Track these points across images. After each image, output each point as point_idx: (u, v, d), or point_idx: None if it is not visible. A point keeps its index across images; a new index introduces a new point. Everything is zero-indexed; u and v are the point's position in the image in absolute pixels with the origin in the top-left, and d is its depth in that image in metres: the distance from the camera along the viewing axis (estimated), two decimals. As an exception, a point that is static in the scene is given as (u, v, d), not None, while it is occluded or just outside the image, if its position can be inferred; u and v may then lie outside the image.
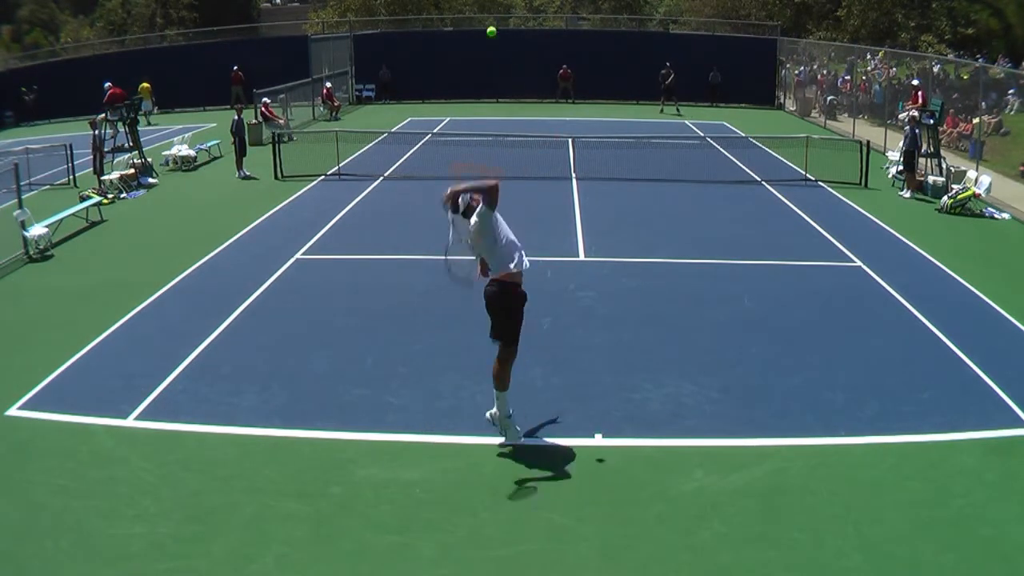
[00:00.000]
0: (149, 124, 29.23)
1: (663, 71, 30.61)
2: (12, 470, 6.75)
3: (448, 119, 28.56)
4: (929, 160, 17.31)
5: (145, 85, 31.03)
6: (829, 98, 30.08)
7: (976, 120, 21.08)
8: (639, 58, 33.58)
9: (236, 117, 19.68)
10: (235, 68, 31.76)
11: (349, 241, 13.59)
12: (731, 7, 42.80)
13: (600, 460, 6.79)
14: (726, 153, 20.97)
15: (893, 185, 17.84)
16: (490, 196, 6.53)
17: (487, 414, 7.07)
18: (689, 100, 31.66)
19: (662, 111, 30.65)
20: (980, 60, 28.43)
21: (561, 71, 33.58)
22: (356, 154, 20.95)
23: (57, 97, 30.61)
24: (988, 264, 12.22)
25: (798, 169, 18.58)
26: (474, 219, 6.60)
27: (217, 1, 50.45)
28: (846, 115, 28.57)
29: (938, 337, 9.31)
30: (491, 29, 6.62)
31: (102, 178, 17.68)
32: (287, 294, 10.96)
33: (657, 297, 10.81)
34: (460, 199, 6.68)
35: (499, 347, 6.85)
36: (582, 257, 12.54)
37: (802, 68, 33.15)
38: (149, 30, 47.91)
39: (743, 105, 32.71)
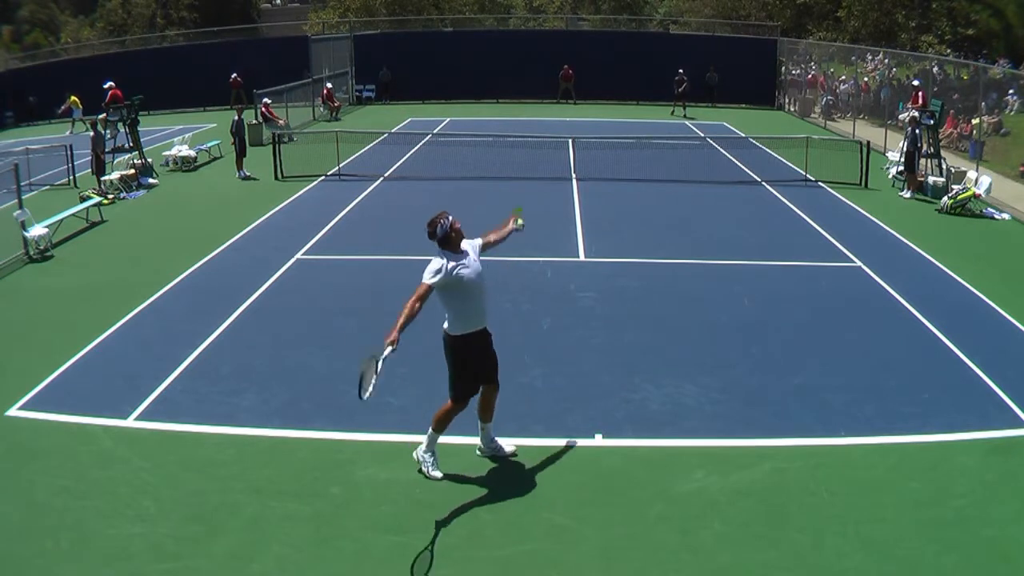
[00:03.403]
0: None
1: (676, 78, 30.56)
2: (12, 470, 6.75)
3: (448, 119, 28.57)
4: (929, 161, 17.31)
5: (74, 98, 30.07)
6: (827, 98, 30.07)
7: (976, 120, 21.08)
8: (639, 59, 33.59)
9: (236, 117, 19.68)
10: (234, 75, 31.72)
11: (349, 241, 13.59)
12: (731, 8, 42.81)
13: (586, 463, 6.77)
14: (726, 153, 20.97)
15: (893, 186, 17.84)
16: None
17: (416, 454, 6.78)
18: (689, 101, 31.64)
19: (672, 112, 30.67)
20: (980, 60, 28.43)
21: (563, 71, 33.57)
22: (356, 154, 20.95)
23: (58, 97, 30.61)
24: (988, 264, 12.21)
25: (798, 169, 18.58)
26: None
27: (217, 1, 50.50)
28: (848, 115, 28.56)
29: (938, 337, 9.31)
30: (519, 211, 6.37)
31: (102, 178, 17.69)
32: (287, 294, 10.96)
33: (657, 297, 10.81)
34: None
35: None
36: (582, 257, 12.54)
37: (798, 69, 33.13)
38: (149, 30, 47.94)
39: (743, 105, 32.72)
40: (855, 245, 12.96)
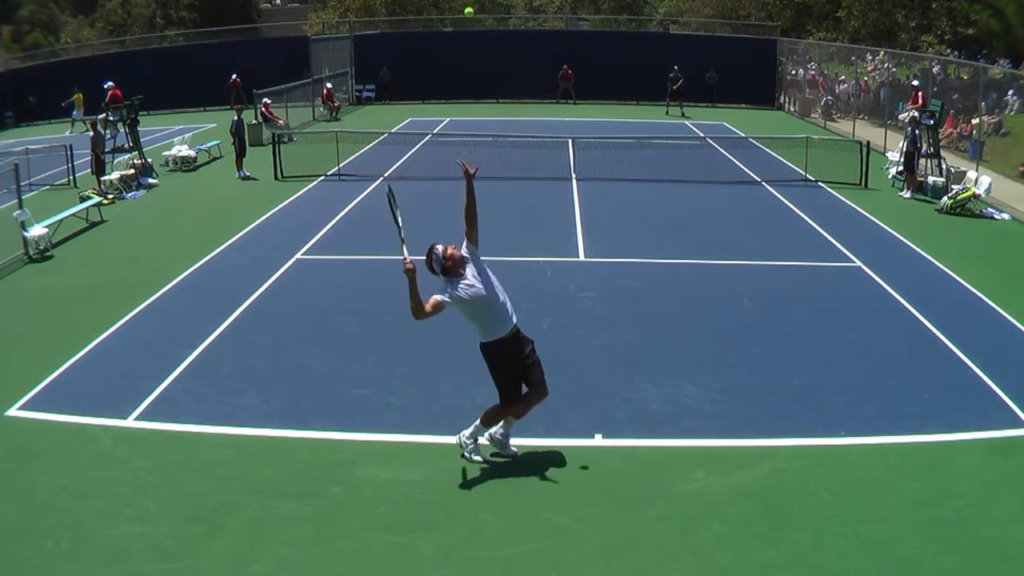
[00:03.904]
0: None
1: (671, 75, 30.61)
2: (12, 470, 6.75)
3: (448, 119, 28.57)
4: (929, 161, 17.32)
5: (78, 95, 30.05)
6: (826, 98, 30.07)
7: (976, 120, 21.08)
8: (639, 58, 33.57)
9: (236, 117, 19.68)
10: (234, 76, 31.67)
11: (349, 241, 13.59)
12: (731, 7, 42.80)
13: (584, 467, 6.70)
14: (726, 154, 20.96)
15: (893, 186, 17.84)
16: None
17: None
18: (689, 100, 31.69)
19: (667, 112, 30.69)
20: (980, 60, 28.43)
21: (562, 71, 33.58)
22: (356, 154, 20.95)
23: (58, 97, 30.62)
24: (988, 264, 12.21)
25: (798, 169, 18.59)
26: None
27: (217, 1, 50.48)
28: (848, 116, 28.55)
29: (938, 337, 9.31)
30: (468, 9, 6.56)
31: (102, 178, 17.69)
32: (287, 294, 10.96)
33: (657, 297, 10.81)
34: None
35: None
36: (582, 257, 12.54)
37: (799, 69, 33.14)
38: (149, 30, 47.92)
39: (743, 105, 32.71)
40: (855, 245, 12.96)
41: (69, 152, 19.05)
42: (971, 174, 16.31)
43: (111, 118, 19.27)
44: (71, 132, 27.99)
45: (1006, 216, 15.26)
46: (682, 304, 10.54)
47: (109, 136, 19.05)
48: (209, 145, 22.34)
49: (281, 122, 24.61)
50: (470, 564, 5.56)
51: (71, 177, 18.86)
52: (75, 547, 5.72)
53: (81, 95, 29.64)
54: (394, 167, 19.56)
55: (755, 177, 18.42)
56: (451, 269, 6.41)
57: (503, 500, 6.28)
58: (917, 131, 16.70)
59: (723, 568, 5.50)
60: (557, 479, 6.54)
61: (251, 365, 8.69)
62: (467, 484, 6.49)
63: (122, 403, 7.78)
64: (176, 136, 22.75)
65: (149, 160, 19.55)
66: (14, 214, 13.05)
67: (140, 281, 11.37)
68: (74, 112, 29.44)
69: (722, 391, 8.03)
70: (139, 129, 19.74)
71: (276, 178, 18.55)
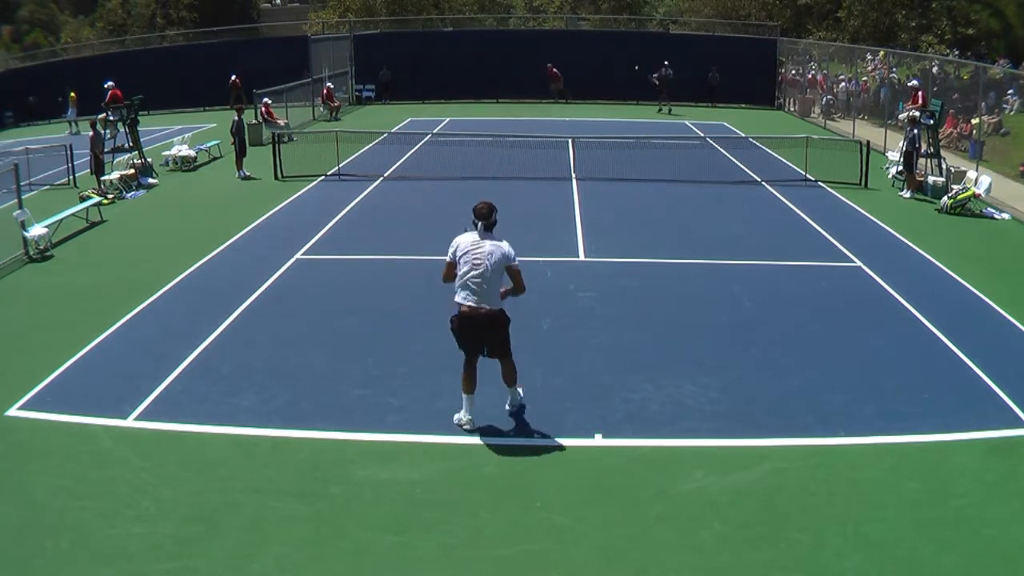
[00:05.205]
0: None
1: (659, 73, 30.75)
2: (12, 470, 6.75)
3: (448, 119, 28.57)
4: (929, 160, 17.32)
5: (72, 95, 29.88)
6: (826, 98, 30.08)
7: (976, 120, 21.09)
8: (639, 58, 33.57)
9: (236, 117, 19.69)
10: (233, 78, 31.65)
11: (349, 241, 13.59)
12: (731, 8, 42.80)
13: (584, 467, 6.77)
14: (726, 153, 20.97)
15: (893, 185, 17.84)
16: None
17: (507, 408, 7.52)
18: (689, 100, 31.66)
19: (670, 112, 30.74)
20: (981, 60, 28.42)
21: (547, 71, 33.39)
22: (356, 154, 20.95)
23: (57, 97, 30.61)
24: (988, 264, 12.21)
25: (798, 169, 18.59)
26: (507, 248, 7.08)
27: (217, 1, 50.49)
28: (849, 116, 28.54)
29: (938, 337, 9.31)
30: None
31: (102, 178, 17.69)
32: (287, 294, 10.96)
33: (657, 297, 10.81)
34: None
35: (508, 359, 7.27)
36: (582, 257, 12.54)
37: (798, 69, 33.14)
38: (149, 30, 47.93)
39: (743, 105, 32.71)
40: (855, 245, 12.96)
41: (69, 152, 19.06)
42: (971, 174, 16.31)
43: (111, 118, 19.27)
44: (71, 132, 27.95)
45: (1006, 216, 15.26)
46: (682, 304, 10.54)
47: (109, 136, 19.05)
48: (209, 145, 22.35)
49: (281, 122, 24.59)
50: (470, 564, 5.56)
51: (71, 177, 18.87)
52: (75, 547, 5.73)
53: (73, 94, 29.56)
54: (394, 167, 19.57)
55: (755, 177, 18.42)
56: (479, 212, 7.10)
57: (503, 500, 6.28)
58: (916, 131, 16.70)
59: (723, 568, 5.50)
60: (557, 479, 6.55)
61: (251, 365, 8.69)
62: (467, 484, 6.49)
63: (122, 403, 7.78)
64: (176, 136, 22.76)
65: (149, 160, 19.55)
66: (14, 214, 13.05)
67: (140, 281, 11.37)
68: (68, 112, 29.39)
69: (722, 391, 8.03)
70: (139, 129, 19.75)
71: (276, 178, 18.55)
